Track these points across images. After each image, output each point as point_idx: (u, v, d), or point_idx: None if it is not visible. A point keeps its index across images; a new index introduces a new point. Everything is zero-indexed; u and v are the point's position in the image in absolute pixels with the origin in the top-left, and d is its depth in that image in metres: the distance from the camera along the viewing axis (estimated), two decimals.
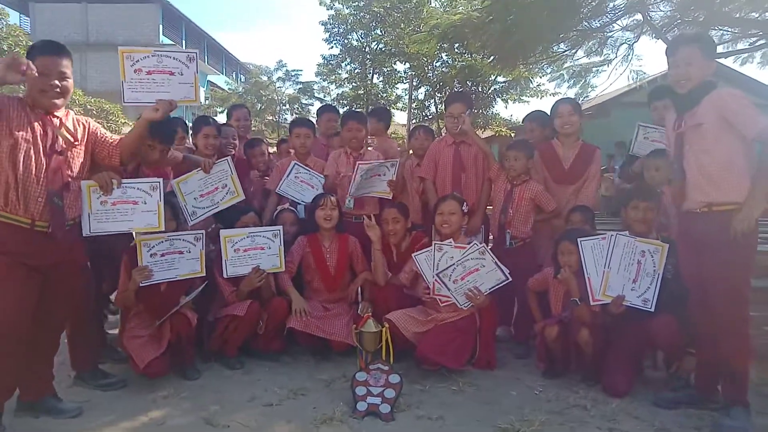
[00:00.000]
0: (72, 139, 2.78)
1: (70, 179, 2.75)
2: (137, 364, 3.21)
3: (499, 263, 3.61)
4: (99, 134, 2.95)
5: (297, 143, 4.59)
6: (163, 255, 3.39)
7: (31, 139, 2.61)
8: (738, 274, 2.81)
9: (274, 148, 6.95)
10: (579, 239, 3.43)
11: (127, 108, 13.22)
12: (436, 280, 3.65)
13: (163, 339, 3.35)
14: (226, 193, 3.83)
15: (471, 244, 3.67)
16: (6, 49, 16.21)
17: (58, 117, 2.76)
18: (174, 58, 3.16)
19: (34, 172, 2.60)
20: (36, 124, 2.65)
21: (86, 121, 2.94)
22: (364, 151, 4.51)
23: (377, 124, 5.17)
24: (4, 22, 17.21)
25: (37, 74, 2.50)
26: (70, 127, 2.81)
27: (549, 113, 4.46)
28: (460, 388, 3.36)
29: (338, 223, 4.07)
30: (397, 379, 3.11)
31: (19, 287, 2.59)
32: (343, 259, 4.06)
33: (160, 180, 3.27)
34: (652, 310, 3.26)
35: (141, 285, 3.32)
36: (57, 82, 2.67)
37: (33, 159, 2.61)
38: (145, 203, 3.14)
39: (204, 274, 3.60)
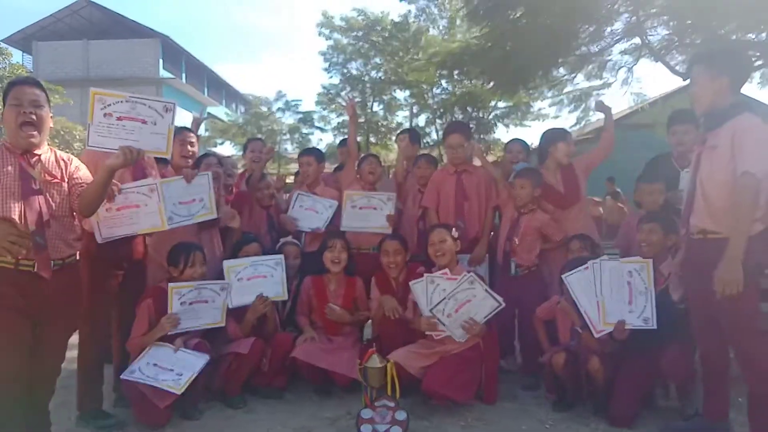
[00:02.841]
0: (49, 177, 2.68)
1: (50, 217, 2.64)
2: (156, 403, 3.14)
3: (490, 290, 3.53)
4: (75, 175, 2.81)
5: (302, 171, 4.72)
6: (191, 303, 3.38)
7: (6, 181, 2.54)
8: (743, 302, 2.65)
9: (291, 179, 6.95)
10: (563, 276, 3.38)
11: None
12: (431, 315, 3.56)
13: None
14: (201, 208, 3.76)
15: (461, 275, 3.57)
16: None
17: (37, 155, 2.67)
18: (149, 107, 3.00)
19: (12, 212, 2.52)
20: (10, 167, 2.57)
21: (68, 159, 2.85)
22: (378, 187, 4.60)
23: (413, 146, 5.13)
24: (8, 62, 17.46)
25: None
26: (52, 163, 2.73)
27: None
28: (468, 423, 3.27)
29: (347, 266, 4.04)
30: (403, 415, 3.02)
31: (11, 334, 2.51)
32: (347, 304, 4.01)
33: (157, 181, 3.29)
34: (655, 327, 3.18)
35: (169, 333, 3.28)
36: (31, 109, 2.60)
37: (10, 200, 2.53)
38: (147, 205, 3.18)
39: (224, 324, 3.60)
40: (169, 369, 3.20)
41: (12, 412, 2.56)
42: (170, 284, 3.33)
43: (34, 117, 2.62)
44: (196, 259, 3.48)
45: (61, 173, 2.76)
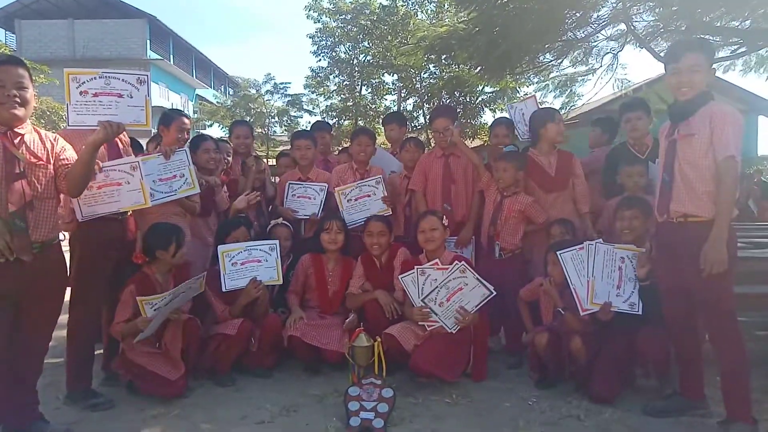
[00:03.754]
0: (34, 159, 2.67)
1: (33, 199, 2.63)
2: (165, 377, 3.24)
3: (481, 279, 3.57)
4: (61, 156, 2.81)
5: (298, 155, 4.67)
6: (167, 305, 3.33)
7: None
8: (719, 283, 2.76)
9: (273, 161, 6.96)
10: (558, 252, 3.46)
11: None
12: (422, 305, 3.61)
13: (174, 355, 3.38)
14: (184, 183, 3.74)
15: (453, 264, 3.63)
16: None
17: (20, 135, 2.65)
18: (123, 80, 3.05)
19: None
20: None
21: (54, 139, 2.83)
22: (370, 167, 4.59)
23: (400, 129, 5.24)
24: None
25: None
26: (36, 144, 2.71)
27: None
28: (453, 400, 3.35)
29: (343, 246, 4.09)
30: (390, 393, 3.09)
31: None
32: (344, 283, 4.08)
33: (139, 159, 3.31)
34: (640, 312, 3.30)
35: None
36: (15, 91, 2.59)
37: None
38: (129, 183, 3.19)
39: (202, 290, 3.62)
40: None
41: None
42: (138, 298, 3.26)
43: (18, 100, 2.61)
44: (183, 239, 3.50)
45: (47, 154, 2.74)
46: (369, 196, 4.39)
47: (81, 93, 3.00)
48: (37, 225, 2.65)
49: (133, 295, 3.33)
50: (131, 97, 3.08)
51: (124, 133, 3.24)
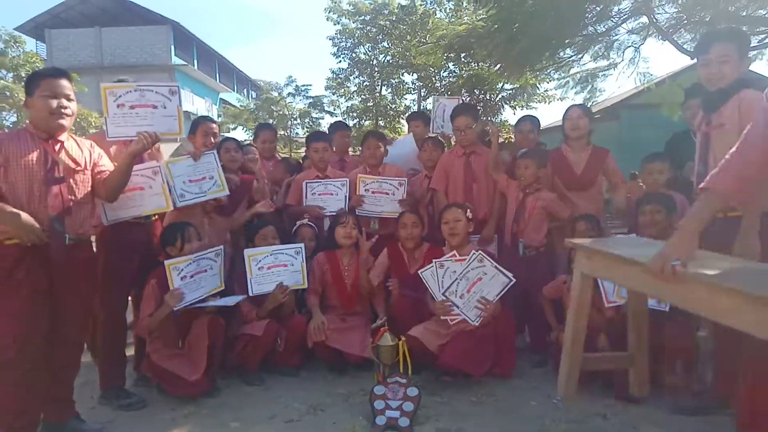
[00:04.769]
0: (73, 165, 2.80)
1: (71, 204, 2.75)
2: (184, 378, 3.30)
3: (499, 267, 3.57)
4: (99, 163, 2.97)
5: (315, 157, 4.64)
6: (192, 276, 3.46)
7: (31, 167, 2.63)
8: None
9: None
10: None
11: None
12: (443, 300, 3.62)
13: (196, 355, 3.42)
14: (213, 185, 3.84)
15: (470, 254, 3.63)
16: (24, 75, 16.63)
17: (60, 142, 2.78)
18: (156, 92, 3.21)
19: (35, 198, 2.64)
20: (35, 152, 2.67)
21: (91, 146, 2.97)
22: (382, 169, 4.61)
23: (425, 127, 5.33)
24: (22, 50, 17.64)
25: None
26: (74, 151, 2.84)
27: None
28: (478, 399, 3.36)
29: (357, 242, 4.12)
30: (415, 391, 3.11)
31: (25, 309, 2.61)
32: (358, 278, 4.09)
33: (161, 164, 3.42)
34: (667, 309, 3.23)
35: (175, 309, 3.36)
36: (65, 102, 2.73)
37: (33, 187, 2.63)
38: (151, 187, 3.32)
39: (223, 287, 3.69)
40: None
41: (35, 382, 2.67)
42: (165, 261, 3.39)
43: (69, 111, 2.76)
44: (191, 234, 3.56)
45: (85, 161, 2.88)
46: (387, 194, 4.40)
47: (118, 106, 3.17)
48: (74, 228, 2.78)
49: (155, 289, 3.41)
50: (165, 108, 3.23)
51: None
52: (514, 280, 3.58)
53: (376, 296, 4.12)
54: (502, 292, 3.59)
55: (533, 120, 4.82)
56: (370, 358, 3.54)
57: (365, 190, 4.44)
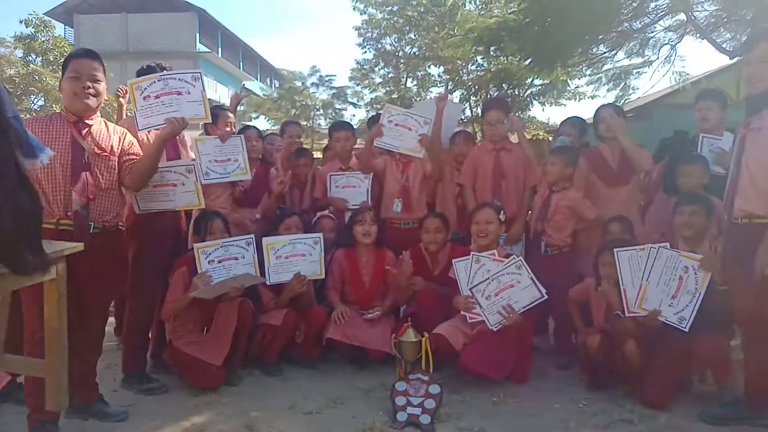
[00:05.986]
0: (98, 150, 2.78)
1: (98, 190, 2.75)
2: (205, 364, 3.30)
3: (535, 280, 3.48)
4: (129, 151, 2.95)
5: (338, 147, 4.64)
6: (220, 261, 3.49)
7: (59, 151, 2.63)
8: None
9: (319, 153, 6.96)
10: (615, 249, 3.33)
11: None
12: (469, 295, 3.55)
13: (222, 339, 3.41)
14: (237, 167, 3.87)
15: (510, 258, 3.56)
16: (53, 59, 16.86)
17: (88, 126, 2.77)
18: (179, 79, 3.24)
19: (60, 182, 2.65)
20: (62, 136, 2.68)
21: (123, 133, 2.97)
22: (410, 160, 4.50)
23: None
24: (51, 34, 17.87)
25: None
26: (103, 136, 2.83)
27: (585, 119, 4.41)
28: (501, 399, 3.30)
29: (377, 238, 4.06)
30: (437, 389, 3.07)
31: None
32: (378, 274, 4.05)
33: (195, 162, 3.52)
34: (686, 330, 3.11)
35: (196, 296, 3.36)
36: (89, 83, 2.72)
37: (58, 170, 2.64)
38: (183, 185, 3.35)
39: (264, 282, 3.71)
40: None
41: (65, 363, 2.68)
42: (195, 245, 3.46)
43: (92, 91, 2.74)
44: (215, 226, 3.58)
45: (112, 147, 2.86)
46: (410, 129, 4.26)
47: (144, 98, 3.20)
48: (102, 210, 2.79)
49: (184, 277, 3.44)
50: (189, 93, 3.25)
51: (183, 133, 3.43)
52: (546, 296, 3.49)
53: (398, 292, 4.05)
54: (530, 306, 3.50)
55: (575, 122, 4.70)
56: (390, 354, 3.49)
57: (389, 121, 4.27)
